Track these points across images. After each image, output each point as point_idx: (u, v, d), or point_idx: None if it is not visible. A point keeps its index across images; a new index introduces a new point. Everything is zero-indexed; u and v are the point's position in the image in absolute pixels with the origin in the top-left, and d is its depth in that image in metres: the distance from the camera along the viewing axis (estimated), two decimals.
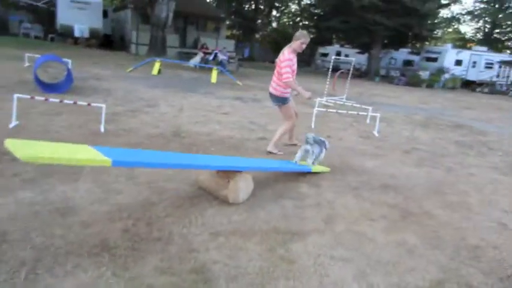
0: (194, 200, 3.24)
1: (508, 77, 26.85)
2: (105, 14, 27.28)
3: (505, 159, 6.30)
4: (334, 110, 7.83)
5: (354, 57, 16.97)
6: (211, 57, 18.95)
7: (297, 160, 4.19)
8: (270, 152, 5.06)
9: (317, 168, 4.32)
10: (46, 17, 27.22)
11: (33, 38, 24.61)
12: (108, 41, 27.56)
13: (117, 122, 5.73)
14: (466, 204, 3.89)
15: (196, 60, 18.11)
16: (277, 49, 30.54)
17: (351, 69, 12.53)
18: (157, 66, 12.96)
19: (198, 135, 5.58)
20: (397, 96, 15.52)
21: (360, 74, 28.22)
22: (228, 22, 32.44)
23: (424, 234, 3.09)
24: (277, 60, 4.89)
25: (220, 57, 18.01)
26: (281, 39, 41.51)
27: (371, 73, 26.42)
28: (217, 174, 3.17)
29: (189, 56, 21.59)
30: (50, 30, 25.13)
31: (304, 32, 4.92)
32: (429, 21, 26.61)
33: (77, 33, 24.06)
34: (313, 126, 7.17)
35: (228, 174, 3.12)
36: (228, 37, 34.54)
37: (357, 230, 3.03)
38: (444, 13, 35.05)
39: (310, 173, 4.20)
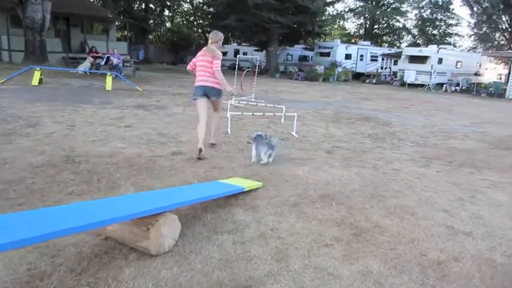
0: (103, 257, 2.40)
1: (390, 68, 29.66)
2: None
3: (416, 149, 6.49)
4: (250, 113, 7.37)
5: (252, 55, 16.91)
6: (102, 62, 17.17)
7: (254, 160, 4.87)
8: (213, 144, 5.58)
9: (249, 184, 3.75)
10: None
11: None
12: None
13: None
14: (407, 207, 3.68)
15: (85, 65, 16.20)
16: (173, 49, 29.16)
17: (257, 67, 12.27)
18: (37, 75, 11.08)
19: (99, 157, 4.57)
20: (301, 92, 15.81)
21: (261, 71, 28.54)
22: (117, 23, 30.07)
23: (384, 256, 2.71)
24: (202, 58, 5.21)
25: (114, 60, 16.37)
26: (177, 39, 40.20)
27: (271, 70, 26.88)
28: (131, 222, 2.36)
29: (76, 62, 19.33)
30: None
31: (213, 31, 5.47)
32: (318, 19, 28.04)
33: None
34: (229, 131, 6.58)
35: (145, 220, 2.35)
36: (119, 39, 32.16)
37: (315, 264, 2.52)
38: (330, 11, 37.47)
39: (242, 192, 3.60)
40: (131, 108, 8.28)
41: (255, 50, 30.02)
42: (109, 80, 11.55)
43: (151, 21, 44.39)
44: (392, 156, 5.80)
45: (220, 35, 5.36)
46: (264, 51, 28.83)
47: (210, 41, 5.27)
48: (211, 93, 5.33)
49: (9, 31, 20.40)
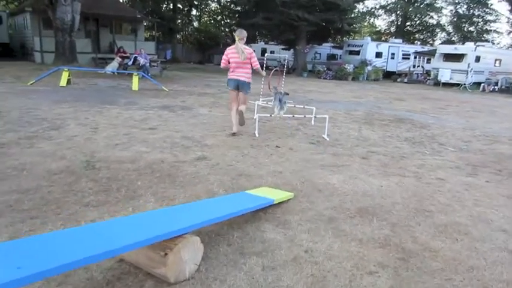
0: (116, 285, 2.12)
1: (423, 67, 28.51)
2: (0, 20, 23.92)
3: (460, 155, 5.94)
4: (279, 116, 7.02)
5: (279, 54, 16.49)
6: (130, 62, 17.22)
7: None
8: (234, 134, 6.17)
9: (280, 196, 3.40)
10: None
11: None
12: (6, 50, 24.21)
13: (3, 157, 4.28)
14: (459, 226, 3.23)
15: (113, 66, 16.28)
16: (200, 49, 29.16)
17: (285, 66, 11.89)
18: (65, 76, 11.14)
19: (120, 163, 4.35)
20: (330, 92, 15.29)
21: (288, 70, 28.09)
22: (145, 23, 30.38)
23: None
24: (235, 55, 5.97)
25: (141, 60, 16.38)
26: (204, 39, 40.29)
27: (298, 69, 26.37)
28: (148, 246, 2.06)
29: (105, 62, 19.53)
30: None
31: (238, 29, 6.28)
32: (348, 16, 27.28)
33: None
34: (257, 134, 6.25)
35: (163, 243, 2.04)
36: (147, 39, 32.51)
37: None
38: (360, 8, 36.49)
39: (272, 205, 3.26)
40: (156, 109, 8.10)
41: (282, 49, 29.59)
42: (135, 80, 11.48)
43: (179, 20, 44.76)
44: (434, 163, 5.30)
45: (245, 33, 6.13)
46: (292, 49, 28.37)
47: (237, 38, 5.98)
48: (242, 87, 6.16)
49: (41, 33, 20.88)
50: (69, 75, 11.36)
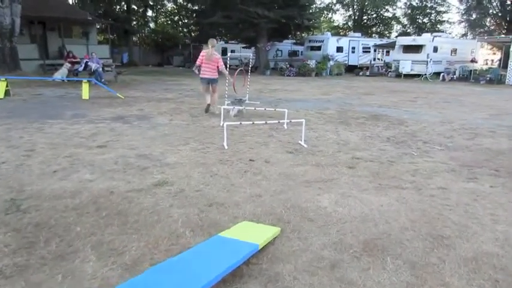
0: None
1: (384, 60, 28.72)
2: None
3: (449, 154, 5.44)
4: (249, 122, 6.25)
5: (240, 53, 15.73)
6: (81, 68, 15.86)
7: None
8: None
9: (265, 237, 2.63)
10: None
11: None
12: None
13: None
14: (490, 257, 2.60)
15: (62, 73, 14.83)
16: (158, 51, 27.83)
17: (250, 65, 11.14)
18: (1, 87, 9.81)
19: (55, 199, 3.42)
20: (296, 89, 14.70)
21: (251, 69, 27.38)
22: (98, 26, 28.66)
23: None
24: (206, 59, 8.03)
25: (92, 65, 15.07)
26: (162, 40, 38.73)
27: (261, 67, 25.72)
28: None
29: (54, 69, 17.92)
30: None
31: (211, 39, 8.29)
32: (307, 11, 26.93)
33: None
34: (225, 145, 5.44)
35: None
36: (101, 42, 30.75)
37: None
38: (318, 3, 36.38)
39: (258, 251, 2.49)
40: (108, 122, 7.09)
41: (243, 47, 28.86)
42: (85, 87, 10.32)
43: (135, 22, 42.90)
44: (428, 167, 4.72)
45: (215, 41, 8.43)
46: (253, 47, 27.68)
47: (210, 46, 8.08)
48: (212, 82, 8.19)
49: None
50: (7, 86, 10.03)
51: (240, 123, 5.84)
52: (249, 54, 11.30)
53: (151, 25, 44.61)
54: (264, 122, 6.20)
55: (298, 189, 3.83)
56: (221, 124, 6.99)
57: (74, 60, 16.23)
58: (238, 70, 9.69)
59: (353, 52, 28.68)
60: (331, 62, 25.96)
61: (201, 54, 8.15)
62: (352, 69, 27.36)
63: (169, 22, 45.22)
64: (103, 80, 15.14)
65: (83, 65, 15.75)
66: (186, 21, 41.72)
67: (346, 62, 27.98)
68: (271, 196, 3.61)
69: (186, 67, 35.63)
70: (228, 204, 3.40)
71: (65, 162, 4.49)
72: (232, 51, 30.29)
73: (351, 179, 4.18)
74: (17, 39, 16.04)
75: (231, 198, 3.54)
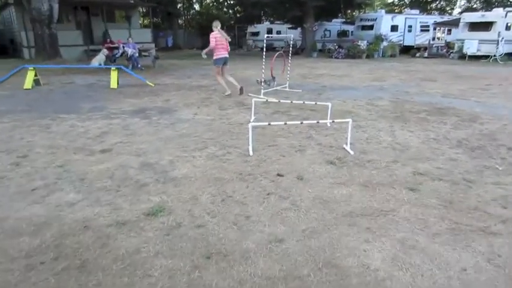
0: None
1: (444, 39, 25.95)
2: None
3: None
4: (282, 122, 5.16)
5: (286, 33, 14.44)
6: (119, 53, 15.39)
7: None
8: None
9: None
10: None
11: None
12: None
13: None
14: None
15: (99, 59, 14.45)
16: (203, 33, 27.02)
17: (290, 47, 9.92)
18: (30, 76, 9.40)
19: (9, 238, 2.60)
20: (345, 74, 13.23)
21: (296, 51, 25.92)
22: (141, 9, 28.42)
23: None
24: (221, 39, 8.08)
25: (128, 51, 14.55)
26: (206, 22, 38.00)
27: (307, 49, 24.17)
28: None
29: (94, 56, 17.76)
30: None
31: (216, 21, 8.38)
32: None
33: None
34: (251, 152, 4.41)
35: None
36: (146, 26, 30.65)
37: None
38: None
39: None
40: (125, 116, 6.30)
41: (289, 28, 27.36)
42: (113, 75, 9.69)
43: (180, 4, 42.53)
44: None
45: (219, 23, 8.36)
46: (299, 28, 26.12)
47: (219, 27, 8.11)
48: (227, 61, 8.36)
49: (27, 26, 19.09)
50: (36, 75, 9.64)
51: (269, 124, 4.74)
52: (290, 35, 10.01)
53: (196, 7, 44.07)
54: (299, 122, 5.05)
55: (338, 229, 2.73)
56: (251, 120, 5.96)
57: (111, 45, 15.78)
58: (277, 53, 8.56)
59: (409, 31, 26.17)
60: (385, 43, 23.82)
61: (212, 35, 7.94)
62: (407, 50, 24.98)
63: (214, 3, 44.38)
64: (139, 66, 14.61)
65: (121, 51, 15.27)
66: (231, 1, 40.65)
67: (401, 43, 25.61)
68: (297, 242, 2.55)
69: (230, 49, 34.88)
70: (234, 255, 2.39)
71: (52, 176, 3.69)
72: (278, 32, 28.92)
73: (413, 212, 3.00)
74: (56, 26, 15.88)
75: (240, 244, 2.52)
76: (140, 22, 33.62)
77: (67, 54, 17.86)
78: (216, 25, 8.08)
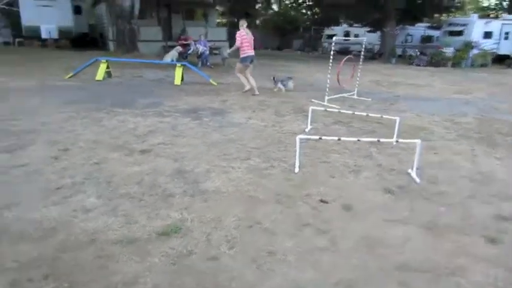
0: None
1: None
2: (78, 10, 24.25)
3: None
4: (336, 138, 4.54)
5: (365, 37, 13.51)
6: (190, 50, 15.65)
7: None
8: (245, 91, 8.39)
9: None
10: (16, 20, 24.14)
11: (2, 44, 21.80)
12: (85, 40, 24.51)
13: None
14: None
15: (172, 55, 14.79)
16: (279, 34, 26.80)
17: (362, 51, 9.13)
18: (102, 68, 9.77)
19: (12, 243, 2.40)
20: (424, 84, 11.99)
21: (373, 56, 24.52)
22: (218, 8, 28.98)
23: None
24: (247, 37, 8.11)
25: (200, 48, 14.70)
26: (283, 23, 37.64)
27: (386, 54, 22.70)
28: None
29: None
30: (18, 34, 22.13)
31: (242, 20, 8.63)
32: None
33: (44, 35, 21.10)
34: (297, 169, 3.88)
35: None
36: (224, 24, 31.22)
37: None
38: None
39: None
40: (177, 115, 6.12)
41: (367, 31, 25.99)
42: (177, 72, 9.71)
43: (259, 4, 42.79)
44: None
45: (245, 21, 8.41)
46: (378, 32, 24.67)
47: (245, 25, 8.16)
48: (253, 59, 8.35)
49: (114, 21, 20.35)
50: (107, 67, 10.00)
51: (320, 138, 4.16)
52: (362, 38, 9.19)
53: (275, 7, 44.01)
54: (355, 139, 4.38)
55: (383, 287, 2.12)
56: (306, 129, 5.42)
57: (184, 42, 16.10)
58: (345, 58, 7.88)
59: (506, 38, 23.38)
60: (475, 51, 21.49)
61: (239, 34, 8.00)
62: (502, 60, 22.31)
63: (293, 4, 43.96)
64: (208, 64, 14.70)
65: (192, 48, 15.51)
66: (311, 3, 39.92)
67: (495, 51, 22.95)
68: None
69: (305, 51, 34.18)
70: None
71: (82, 175, 3.53)
72: (356, 36, 27.64)
73: (491, 276, 2.27)
74: (139, 22, 16.62)
75: None
76: (219, 21, 34.44)
77: (147, 49, 18.67)
78: (242, 24, 8.19)
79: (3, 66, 11.57)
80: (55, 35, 21.32)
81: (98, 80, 9.55)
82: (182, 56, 15.46)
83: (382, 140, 4.14)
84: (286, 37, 37.96)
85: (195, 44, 15.08)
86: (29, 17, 20.87)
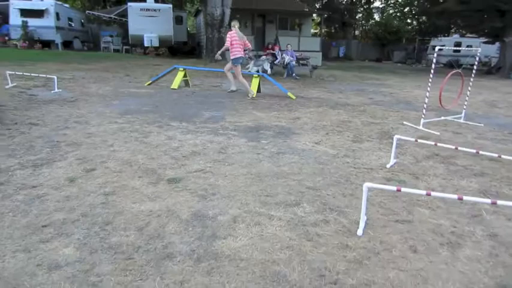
0: None
1: None
2: (179, 20, 25.45)
3: None
4: (423, 192, 3.23)
5: (479, 48, 11.31)
6: (277, 60, 14.95)
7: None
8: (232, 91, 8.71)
9: None
10: (126, 29, 26.25)
11: (112, 51, 23.87)
12: (184, 49, 25.64)
13: None
14: None
15: (258, 64, 14.29)
16: (379, 45, 24.94)
17: (475, 64, 7.35)
18: (179, 77, 9.51)
19: None
20: None
21: (489, 70, 21.19)
22: (314, 17, 28.04)
23: None
24: (237, 39, 8.20)
25: (286, 58, 13.91)
26: (385, 34, 35.07)
27: (505, 68, 19.36)
28: None
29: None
30: (127, 42, 24.03)
31: (235, 20, 8.75)
32: None
33: (146, 43, 22.48)
34: (361, 230, 2.71)
35: None
36: (319, 35, 30.20)
37: None
38: None
39: None
40: (234, 134, 5.28)
41: (483, 42, 22.61)
42: (254, 83, 8.98)
43: (360, 14, 40.93)
44: None
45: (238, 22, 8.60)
46: (497, 43, 21.26)
47: (237, 27, 8.34)
48: (243, 60, 8.64)
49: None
50: (185, 76, 9.72)
51: (398, 191, 2.88)
52: (476, 49, 7.33)
53: (376, 17, 41.56)
54: (454, 196, 2.96)
55: None
56: (388, 165, 4.14)
57: (272, 51, 15.47)
58: (451, 73, 6.29)
59: None
60: None
61: (229, 35, 8.14)
62: None
63: (397, 14, 40.99)
64: (294, 75, 13.83)
65: (279, 58, 14.79)
66: (415, 11, 36.74)
67: None
68: None
69: (407, 63, 31.36)
70: None
71: (82, 208, 2.85)
72: (469, 47, 24.30)
73: None
74: (224, 30, 16.52)
75: None
76: (315, 30, 33.52)
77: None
78: (234, 24, 8.27)
79: (93, 71, 12.16)
80: (156, 43, 22.52)
81: (172, 89, 9.29)
82: (271, 66, 14.84)
83: (499, 202, 2.70)
84: (386, 48, 35.37)
85: (282, 54, 14.33)
86: (135, 26, 22.38)
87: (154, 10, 22.76)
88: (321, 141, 5.11)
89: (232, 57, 8.29)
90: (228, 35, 8.21)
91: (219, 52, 8.73)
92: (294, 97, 8.89)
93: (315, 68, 14.88)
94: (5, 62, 11.94)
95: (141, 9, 22.53)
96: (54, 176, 3.46)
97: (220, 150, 4.49)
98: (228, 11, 15.69)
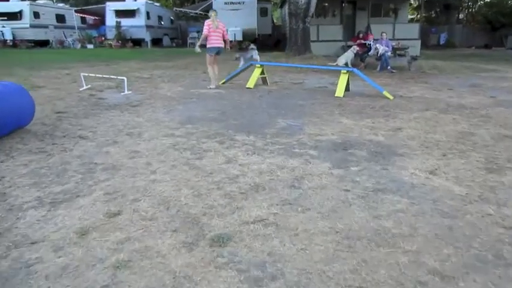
0: None
1: None
2: (265, 12, 24.58)
3: None
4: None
5: None
6: (371, 51, 13.09)
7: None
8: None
9: None
10: None
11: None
12: (268, 41, 24.77)
13: None
14: None
15: (347, 57, 12.68)
16: (490, 30, 21.36)
17: None
18: (255, 75, 8.46)
19: None
20: None
21: None
22: (412, 1, 24.95)
23: None
24: (214, 28, 7.89)
25: (380, 49, 12.03)
26: (495, 16, 30.12)
27: None
28: None
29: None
30: None
31: (212, 10, 8.44)
32: None
33: (229, 37, 22.01)
34: None
35: None
36: (417, 20, 26.98)
37: None
38: None
39: None
40: (311, 156, 3.97)
41: None
42: (342, 80, 7.53)
43: None
44: None
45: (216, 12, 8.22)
46: None
47: (214, 15, 8.00)
48: (220, 51, 8.15)
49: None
50: (262, 73, 8.64)
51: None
52: None
53: None
54: None
55: None
56: None
57: (363, 41, 13.64)
58: None
59: None
60: None
61: (206, 23, 7.93)
62: None
63: None
64: (389, 67, 11.91)
65: (373, 48, 12.92)
66: None
67: None
68: None
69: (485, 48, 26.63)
70: None
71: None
72: None
73: None
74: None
75: None
76: (411, 16, 30.14)
77: (325, 49, 17.10)
78: (211, 13, 8.08)
79: (173, 69, 11.71)
80: (239, 37, 21.91)
81: (248, 88, 8.27)
82: (360, 58, 13.13)
83: None
84: (498, 32, 30.40)
85: (375, 44, 12.48)
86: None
87: (239, 3, 22.16)
88: (438, 169, 3.58)
89: (207, 46, 8.02)
90: (205, 24, 7.92)
91: (198, 43, 8.40)
92: (391, 97, 7.25)
93: (414, 59, 12.71)
94: (94, 62, 12.11)
95: (225, 3, 22.07)
96: (66, 225, 2.57)
97: (293, 183, 3.26)
98: (314, 1, 14.21)
